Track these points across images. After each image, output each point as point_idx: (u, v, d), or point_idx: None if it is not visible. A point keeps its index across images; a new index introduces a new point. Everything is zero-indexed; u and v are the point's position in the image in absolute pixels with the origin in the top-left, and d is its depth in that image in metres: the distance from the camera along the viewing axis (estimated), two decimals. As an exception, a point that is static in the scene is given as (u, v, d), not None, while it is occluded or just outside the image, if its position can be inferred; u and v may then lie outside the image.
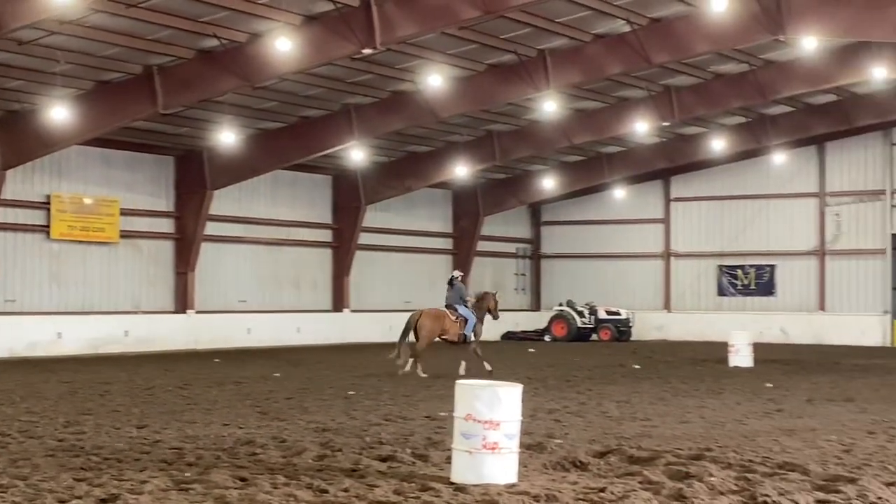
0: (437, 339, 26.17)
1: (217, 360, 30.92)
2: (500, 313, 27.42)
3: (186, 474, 11.23)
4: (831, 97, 40.58)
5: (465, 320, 26.27)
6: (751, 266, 47.93)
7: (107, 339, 35.37)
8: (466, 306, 26.62)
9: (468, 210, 48.58)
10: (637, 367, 29.80)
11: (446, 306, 26.56)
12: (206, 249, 38.88)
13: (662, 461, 12.13)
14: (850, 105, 41.10)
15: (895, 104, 40.60)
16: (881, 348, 42.66)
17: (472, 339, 26.37)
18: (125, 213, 36.83)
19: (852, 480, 10.94)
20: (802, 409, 18.82)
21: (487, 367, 25.68)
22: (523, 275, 52.57)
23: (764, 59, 34.64)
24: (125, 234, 36.94)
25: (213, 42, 27.83)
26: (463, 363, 25.69)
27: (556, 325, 47.23)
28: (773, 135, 43.24)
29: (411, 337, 25.64)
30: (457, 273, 28.04)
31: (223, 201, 39.10)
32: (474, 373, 24.46)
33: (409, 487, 10.60)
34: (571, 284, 51.07)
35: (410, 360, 25.41)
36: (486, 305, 26.98)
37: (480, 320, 26.75)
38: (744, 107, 39.33)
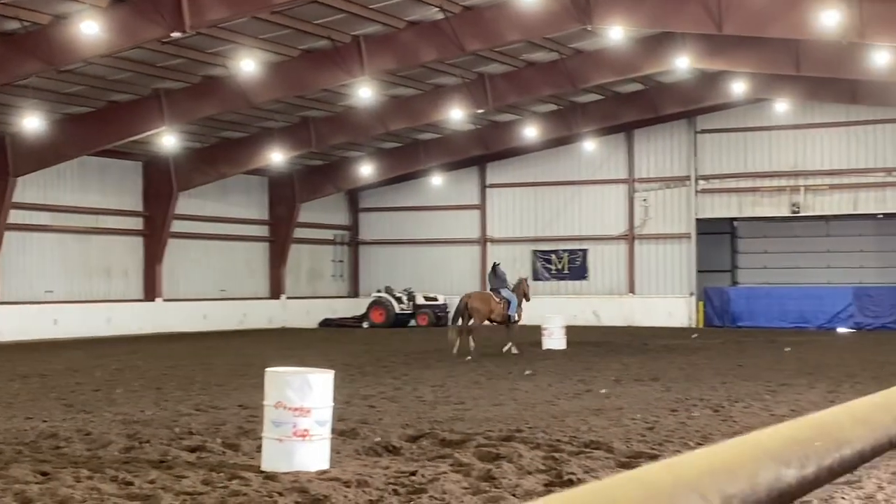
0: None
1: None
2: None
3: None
4: (638, 86, 41.77)
5: (509, 302, 28.73)
6: (564, 251, 48.97)
7: None
8: (509, 290, 29.12)
9: (284, 197, 48.20)
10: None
11: (491, 290, 29.26)
12: (9, 239, 37.48)
13: (473, 443, 12.29)
14: (656, 94, 42.42)
15: (699, 93, 42.09)
16: (687, 329, 44.16)
17: (516, 318, 28.86)
18: (-78, 201, 35.25)
19: (654, 457, 11.28)
20: (610, 388, 19.31)
21: (514, 350, 28.00)
22: (341, 261, 52.49)
23: (573, 48, 35.40)
24: (-78, 224, 35.35)
25: (15, 24, 26.86)
26: (510, 343, 28.18)
27: (374, 312, 47.33)
28: (584, 122, 44.26)
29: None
30: (497, 261, 31.06)
31: (28, 189, 37.79)
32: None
33: (218, 477, 10.45)
34: (389, 271, 51.28)
35: (470, 340, 27.55)
36: (521, 290, 29.58)
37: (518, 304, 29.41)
38: (555, 95, 40.12)
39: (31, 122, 33.81)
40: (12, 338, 35.93)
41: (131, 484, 10.15)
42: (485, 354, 27.15)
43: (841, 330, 42.63)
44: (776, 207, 45.61)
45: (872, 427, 2.57)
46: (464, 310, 28.04)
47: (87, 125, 35.77)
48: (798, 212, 45.10)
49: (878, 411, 2.73)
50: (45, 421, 14.96)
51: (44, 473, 10.67)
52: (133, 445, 12.47)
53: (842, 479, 9.84)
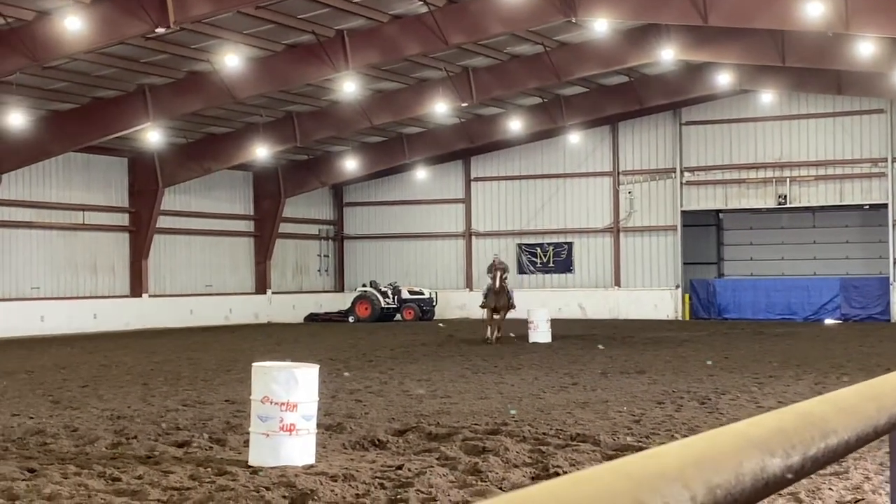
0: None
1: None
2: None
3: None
4: (623, 78, 41.78)
5: None
6: (549, 244, 49.00)
7: None
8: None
9: (270, 192, 48.14)
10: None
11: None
12: (-6, 235, 37.45)
13: (460, 437, 12.31)
14: (641, 86, 42.44)
15: (683, 85, 42.11)
16: (672, 321, 44.26)
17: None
18: None
19: (640, 449, 11.28)
20: (596, 381, 19.35)
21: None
22: (326, 256, 52.45)
23: (558, 41, 35.40)
24: None
25: (-2, 19, 26.74)
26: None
27: (359, 306, 47.29)
28: (568, 115, 44.27)
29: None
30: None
31: (13, 185, 37.71)
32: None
33: (206, 472, 10.45)
34: (375, 265, 51.28)
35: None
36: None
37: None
38: (539, 87, 40.10)
39: (16, 119, 33.69)
40: (-2, 335, 35.87)
41: (119, 480, 10.14)
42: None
43: (828, 321, 42.77)
44: (762, 199, 45.73)
45: (857, 417, 2.60)
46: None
47: (72, 121, 35.66)
48: (784, 203, 45.21)
49: (864, 401, 2.75)
50: (31, 417, 14.93)
51: (31, 470, 10.66)
52: (120, 441, 12.46)
53: (828, 471, 9.90)
